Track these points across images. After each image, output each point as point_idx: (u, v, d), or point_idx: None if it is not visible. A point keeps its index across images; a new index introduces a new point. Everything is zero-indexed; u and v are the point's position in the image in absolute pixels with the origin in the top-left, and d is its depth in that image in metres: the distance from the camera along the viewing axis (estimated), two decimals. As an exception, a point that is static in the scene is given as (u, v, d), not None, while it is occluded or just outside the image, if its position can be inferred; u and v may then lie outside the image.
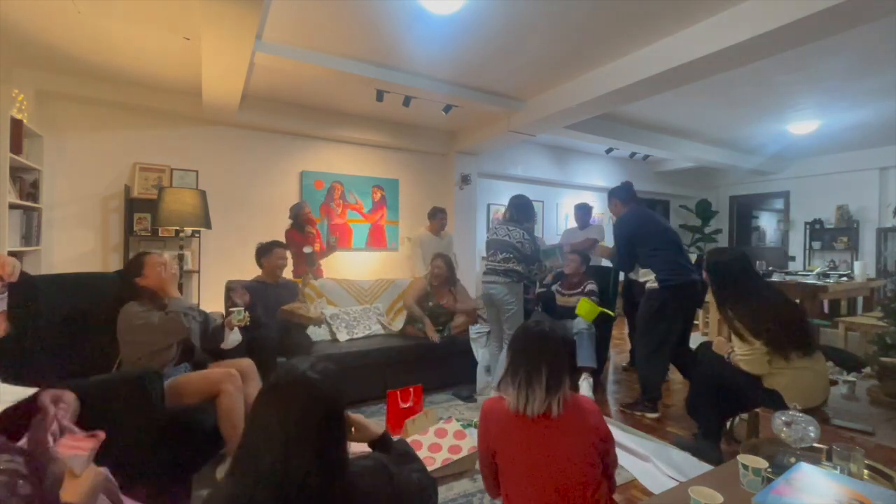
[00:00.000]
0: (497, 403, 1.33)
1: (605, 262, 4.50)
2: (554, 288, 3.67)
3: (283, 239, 3.65)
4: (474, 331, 3.26)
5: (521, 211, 3.02)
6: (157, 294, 2.03)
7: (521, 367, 1.28)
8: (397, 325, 3.43)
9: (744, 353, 2.00)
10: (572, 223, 7.02)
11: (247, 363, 2.15)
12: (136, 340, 1.88)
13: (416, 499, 1.05)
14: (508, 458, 1.26)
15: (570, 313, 3.33)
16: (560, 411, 1.24)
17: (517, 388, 1.27)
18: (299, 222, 3.87)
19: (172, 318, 1.92)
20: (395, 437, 1.26)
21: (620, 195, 3.11)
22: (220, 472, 1.95)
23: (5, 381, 1.28)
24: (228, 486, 0.88)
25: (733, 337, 2.08)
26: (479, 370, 3.15)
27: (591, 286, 3.47)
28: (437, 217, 4.33)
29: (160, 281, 2.05)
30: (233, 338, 2.27)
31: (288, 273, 3.41)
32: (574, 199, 7.09)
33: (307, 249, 3.69)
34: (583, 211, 4.63)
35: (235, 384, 1.90)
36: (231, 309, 2.30)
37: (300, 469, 0.84)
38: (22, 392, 1.24)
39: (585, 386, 3.03)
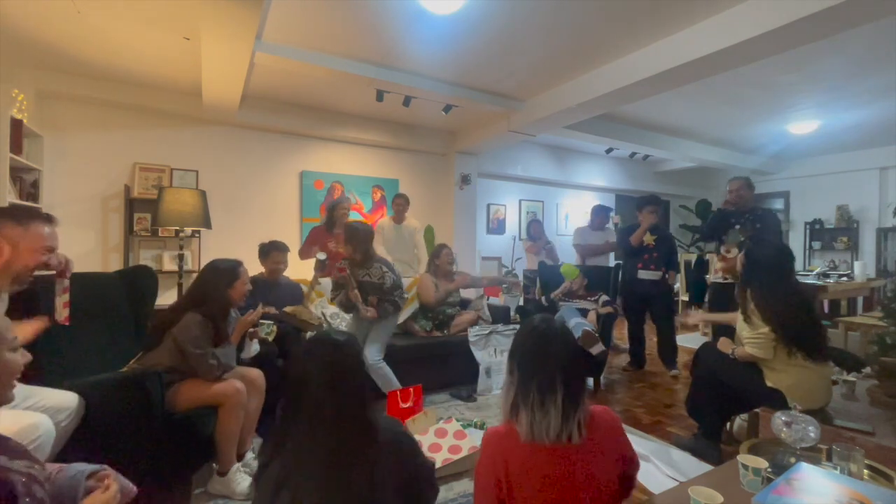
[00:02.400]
0: (505, 432, 1.10)
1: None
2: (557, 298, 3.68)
3: (290, 237, 3.62)
4: (473, 333, 3.26)
5: (361, 244, 2.80)
6: (226, 316, 2.00)
7: (531, 381, 1.06)
8: (399, 319, 3.44)
9: (751, 337, 2.00)
10: (572, 223, 7.05)
11: (256, 374, 2.11)
12: (177, 359, 1.85)
13: (427, 470, 1.15)
14: (525, 494, 1.03)
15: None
16: (582, 437, 1.04)
17: (530, 412, 1.04)
18: (330, 220, 3.60)
19: (213, 368, 1.87)
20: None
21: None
22: (212, 486, 1.90)
23: None
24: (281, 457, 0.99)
25: (740, 322, 2.10)
26: (481, 372, 3.15)
27: (604, 297, 3.53)
28: (395, 202, 4.16)
29: (239, 304, 2.05)
30: (253, 348, 2.26)
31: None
32: (574, 199, 7.13)
33: (321, 255, 3.28)
34: (602, 213, 4.55)
35: (239, 400, 1.87)
36: (261, 322, 2.26)
37: (334, 417, 0.97)
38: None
39: None
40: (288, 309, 2.63)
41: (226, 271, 2.01)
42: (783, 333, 1.93)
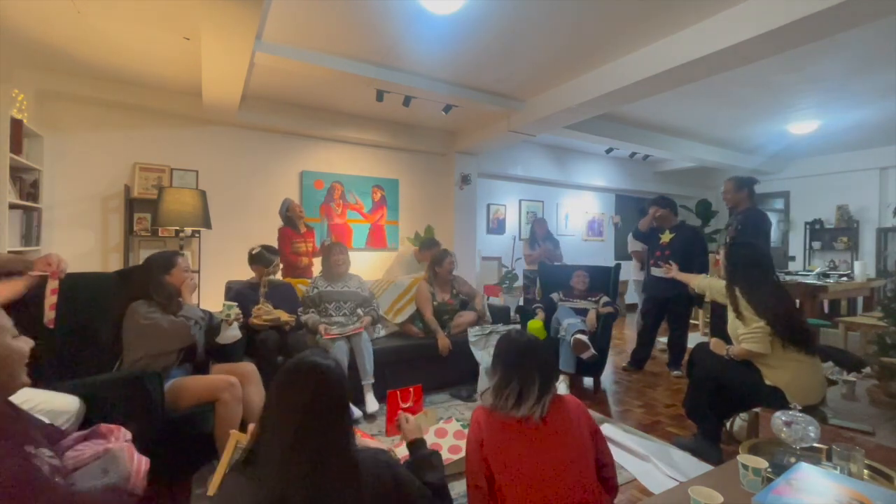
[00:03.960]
0: (488, 412, 1.33)
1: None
2: (557, 298, 3.67)
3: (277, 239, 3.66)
4: (473, 333, 3.26)
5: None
6: (172, 297, 2.02)
7: (513, 378, 1.29)
8: (399, 319, 3.44)
9: (748, 332, 2.03)
10: (572, 224, 7.05)
11: (249, 367, 2.13)
12: (140, 341, 1.87)
13: (416, 495, 1.06)
14: (504, 465, 1.22)
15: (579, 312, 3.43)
16: (544, 412, 1.27)
17: (506, 398, 1.28)
18: (292, 219, 3.75)
19: (182, 324, 1.92)
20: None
21: (752, 186, 3.28)
22: (211, 486, 1.91)
23: None
24: (246, 476, 0.92)
25: (733, 320, 2.14)
26: (481, 372, 3.15)
27: (605, 298, 3.51)
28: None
29: (183, 286, 2.08)
30: (229, 333, 2.23)
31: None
32: (574, 199, 7.12)
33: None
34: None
35: (234, 394, 1.89)
36: (224, 302, 2.26)
37: (314, 452, 0.89)
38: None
39: (563, 388, 3.05)
40: (252, 318, 2.65)
41: (161, 260, 2.08)
42: (777, 326, 1.98)
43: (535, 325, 3.43)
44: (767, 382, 1.98)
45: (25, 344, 0.93)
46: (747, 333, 2.03)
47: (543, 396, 1.28)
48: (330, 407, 0.94)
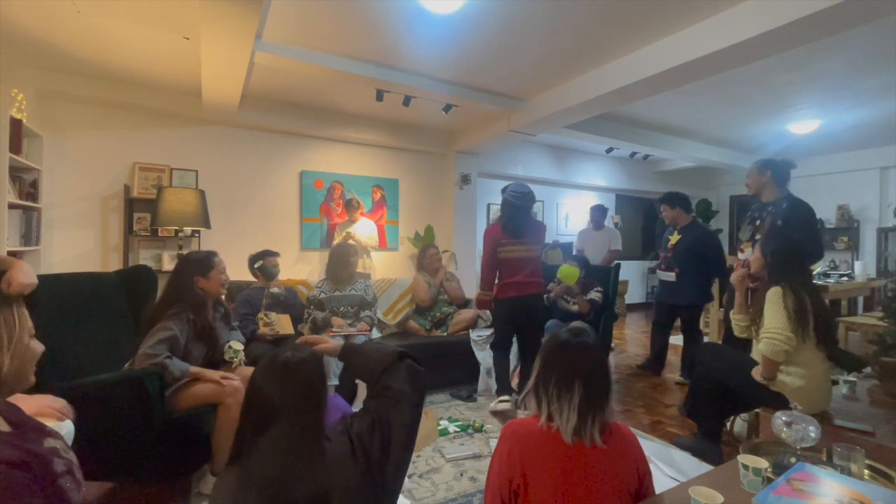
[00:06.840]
0: (526, 424, 1.17)
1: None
2: (552, 287, 3.66)
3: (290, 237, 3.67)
4: (475, 334, 3.26)
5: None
6: (202, 305, 1.96)
7: (550, 380, 1.15)
8: (398, 320, 3.45)
9: (774, 334, 1.86)
10: (572, 223, 7.06)
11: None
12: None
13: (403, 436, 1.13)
14: (538, 486, 1.08)
15: (570, 318, 3.35)
16: (599, 441, 1.10)
17: (548, 405, 1.14)
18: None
19: (154, 366, 1.78)
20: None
21: (777, 169, 2.73)
22: (206, 486, 1.89)
23: None
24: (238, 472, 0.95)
25: (785, 321, 1.89)
26: (482, 372, 3.15)
27: (595, 294, 3.45)
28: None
29: (217, 295, 2.02)
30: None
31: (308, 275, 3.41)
32: (574, 199, 7.13)
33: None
34: (599, 212, 4.77)
35: (238, 399, 1.88)
36: (228, 345, 2.15)
37: (296, 438, 0.95)
38: None
39: None
40: (259, 332, 2.71)
41: (199, 262, 2.00)
42: (820, 330, 1.88)
43: (568, 269, 3.36)
44: (772, 388, 1.94)
45: (38, 347, 0.95)
46: (775, 335, 1.86)
47: (586, 417, 1.10)
48: (304, 396, 0.99)
